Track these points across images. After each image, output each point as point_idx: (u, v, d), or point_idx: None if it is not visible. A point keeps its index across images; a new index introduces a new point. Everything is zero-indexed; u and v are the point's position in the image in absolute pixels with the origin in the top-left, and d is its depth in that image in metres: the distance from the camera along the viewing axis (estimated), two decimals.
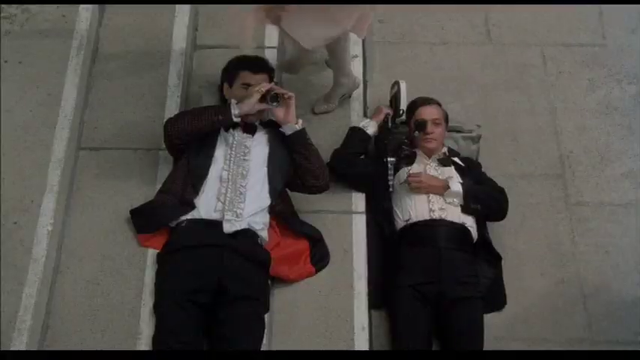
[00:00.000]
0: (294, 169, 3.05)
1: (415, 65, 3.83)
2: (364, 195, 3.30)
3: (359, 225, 3.21)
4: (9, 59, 3.37)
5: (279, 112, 3.01)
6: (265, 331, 2.84)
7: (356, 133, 3.33)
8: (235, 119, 2.95)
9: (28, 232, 2.95)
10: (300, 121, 3.05)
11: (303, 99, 3.53)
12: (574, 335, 3.14)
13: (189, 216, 2.94)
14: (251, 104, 2.95)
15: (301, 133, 3.03)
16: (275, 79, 3.43)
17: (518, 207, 3.37)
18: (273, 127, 3.12)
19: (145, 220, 3.00)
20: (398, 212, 3.18)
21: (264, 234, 2.97)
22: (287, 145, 3.04)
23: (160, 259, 2.93)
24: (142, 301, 2.89)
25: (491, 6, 4.01)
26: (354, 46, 3.74)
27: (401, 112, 3.38)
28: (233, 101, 2.98)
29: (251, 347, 2.74)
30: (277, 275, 3.00)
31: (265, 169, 3.02)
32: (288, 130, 3.02)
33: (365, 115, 3.53)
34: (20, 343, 2.74)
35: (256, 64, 3.12)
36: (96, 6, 3.56)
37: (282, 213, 3.06)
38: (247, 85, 3.06)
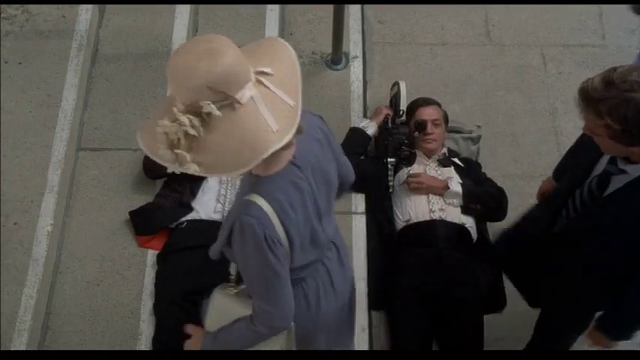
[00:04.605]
0: None
1: (415, 66, 3.83)
2: (364, 195, 3.30)
3: (359, 225, 3.21)
4: (9, 60, 3.37)
5: None
6: None
7: (356, 133, 3.33)
8: None
9: (28, 233, 2.95)
10: None
11: (303, 99, 3.53)
12: None
13: (188, 217, 2.94)
14: None
15: None
16: None
17: (518, 207, 3.35)
18: None
19: (143, 222, 3.00)
20: (398, 213, 3.18)
21: None
22: None
23: (160, 259, 2.94)
24: (141, 302, 2.90)
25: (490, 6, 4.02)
26: (354, 47, 3.75)
27: (401, 112, 3.38)
28: None
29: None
30: None
31: None
32: None
33: (365, 115, 3.54)
34: (20, 343, 2.74)
35: None
36: (96, 6, 3.56)
37: None
38: None
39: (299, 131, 1.66)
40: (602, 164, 2.14)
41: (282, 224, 1.76)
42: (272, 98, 1.61)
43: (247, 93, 1.57)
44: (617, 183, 2.08)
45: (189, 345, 2.13)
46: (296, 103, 1.65)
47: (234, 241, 1.78)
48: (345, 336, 2.41)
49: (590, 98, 1.84)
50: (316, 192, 1.87)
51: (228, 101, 1.56)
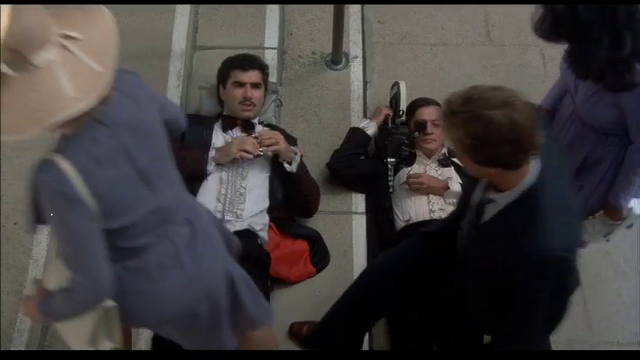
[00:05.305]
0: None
1: (415, 66, 3.83)
2: (364, 195, 3.30)
3: (359, 225, 3.21)
4: None
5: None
6: None
7: (356, 133, 3.33)
8: (209, 173, 2.93)
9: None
10: (298, 155, 3.01)
11: (303, 99, 3.54)
12: (574, 336, 3.14)
13: None
14: (229, 158, 2.92)
15: (296, 174, 3.01)
16: (276, 82, 3.43)
17: None
18: (274, 129, 3.11)
19: None
20: (398, 213, 3.18)
21: (263, 234, 2.97)
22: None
23: None
24: None
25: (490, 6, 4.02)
26: (354, 47, 3.75)
27: (401, 112, 3.38)
28: (210, 154, 2.93)
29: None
30: (278, 276, 3.00)
31: (267, 173, 3.02)
32: (287, 167, 3.01)
33: (365, 115, 3.54)
34: (20, 343, 2.74)
35: (245, 62, 3.09)
36: None
37: (279, 215, 3.06)
38: (239, 84, 3.04)
39: (105, 100, 1.64)
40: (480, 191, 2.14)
41: (86, 183, 1.70)
42: (75, 63, 1.58)
43: (46, 55, 1.55)
44: (489, 212, 2.08)
45: (27, 303, 2.03)
46: (105, 71, 1.60)
47: (41, 204, 1.74)
48: (213, 337, 2.23)
49: (449, 110, 1.88)
50: (135, 151, 1.81)
51: (23, 62, 1.53)
